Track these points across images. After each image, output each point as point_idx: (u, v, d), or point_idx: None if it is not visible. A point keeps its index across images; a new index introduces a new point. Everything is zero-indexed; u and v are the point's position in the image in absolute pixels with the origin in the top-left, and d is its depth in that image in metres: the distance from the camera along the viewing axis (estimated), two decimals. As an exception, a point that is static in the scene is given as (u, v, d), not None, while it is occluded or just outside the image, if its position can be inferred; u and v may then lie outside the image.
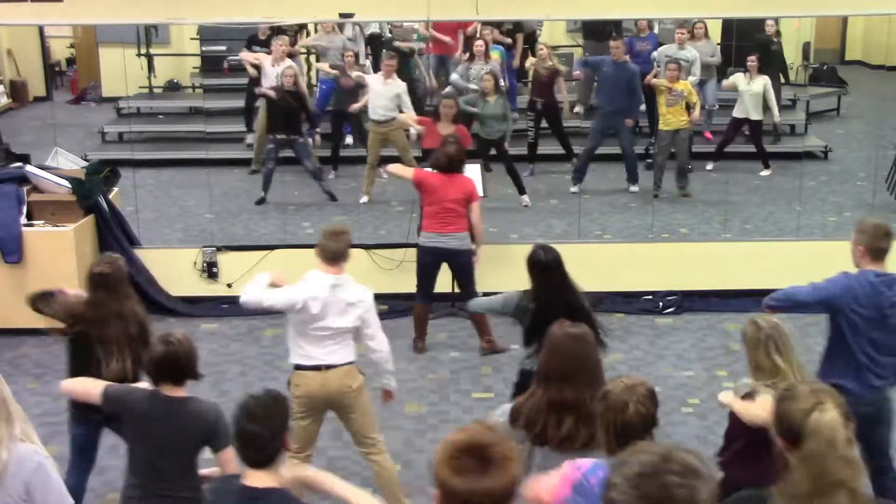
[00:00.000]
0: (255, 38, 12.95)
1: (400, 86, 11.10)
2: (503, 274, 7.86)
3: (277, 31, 12.83)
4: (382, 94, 11.02)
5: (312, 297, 5.31)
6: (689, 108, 11.24)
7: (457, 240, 7.66)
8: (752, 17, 11.88)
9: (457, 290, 8.40)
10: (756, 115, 12.14)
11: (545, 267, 5.51)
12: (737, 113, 12.23)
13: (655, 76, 11.74)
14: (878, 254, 5.04)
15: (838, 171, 12.72)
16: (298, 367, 5.39)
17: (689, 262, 8.97)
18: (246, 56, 12.54)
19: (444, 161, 7.61)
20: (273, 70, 11.72)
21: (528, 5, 9.12)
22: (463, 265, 7.77)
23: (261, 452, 3.40)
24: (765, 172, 12.35)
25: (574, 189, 11.57)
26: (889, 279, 5.04)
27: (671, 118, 11.24)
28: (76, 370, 5.21)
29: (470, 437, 2.42)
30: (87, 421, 5.34)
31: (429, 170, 7.87)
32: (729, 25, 13.58)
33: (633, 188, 11.65)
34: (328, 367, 5.34)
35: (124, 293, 5.22)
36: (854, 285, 5.01)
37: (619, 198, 11.49)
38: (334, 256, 5.36)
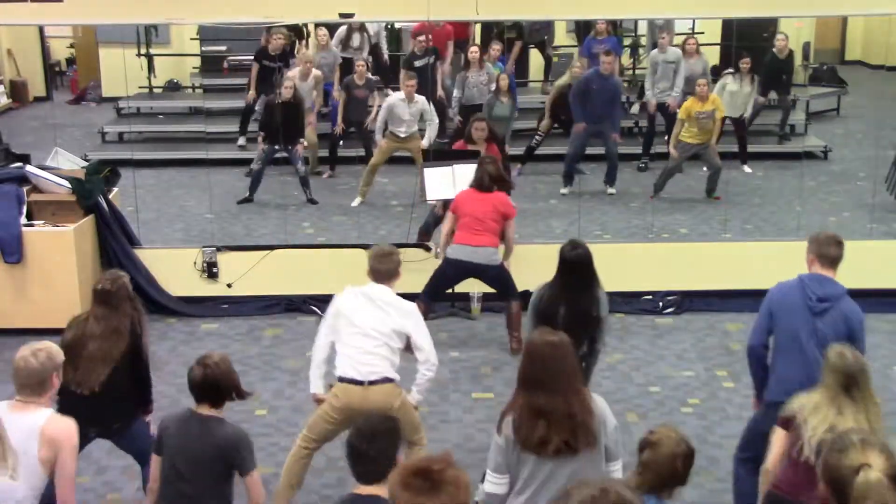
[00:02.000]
0: (265, 52, 12.78)
1: (422, 101, 10.99)
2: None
3: (291, 51, 12.90)
4: (406, 113, 10.90)
5: (348, 297, 5.51)
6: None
7: (484, 256, 7.60)
8: (752, 18, 11.87)
9: (457, 290, 8.43)
10: (740, 111, 12.29)
11: (563, 261, 5.71)
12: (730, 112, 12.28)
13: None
14: (827, 261, 5.14)
15: (838, 171, 12.72)
16: (341, 379, 5.43)
17: (689, 262, 8.96)
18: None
19: (485, 181, 7.69)
20: (303, 85, 11.75)
21: (528, 5, 9.11)
22: (494, 277, 7.79)
23: (366, 468, 3.58)
24: (747, 169, 12.46)
25: (564, 191, 11.63)
26: (821, 278, 5.11)
27: (700, 133, 11.21)
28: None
29: (422, 461, 2.77)
30: (82, 438, 5.36)
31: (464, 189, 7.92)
32: (729, 26, 13.61)
33: (611, 190, 11.64)
34: (370, 382, 5.38)
35: (123, 310, 5.28)
36: (775, 295, 5.16)
37: (619, 198, 11.49)
38: (385, 276, 5.56)
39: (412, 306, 5.58)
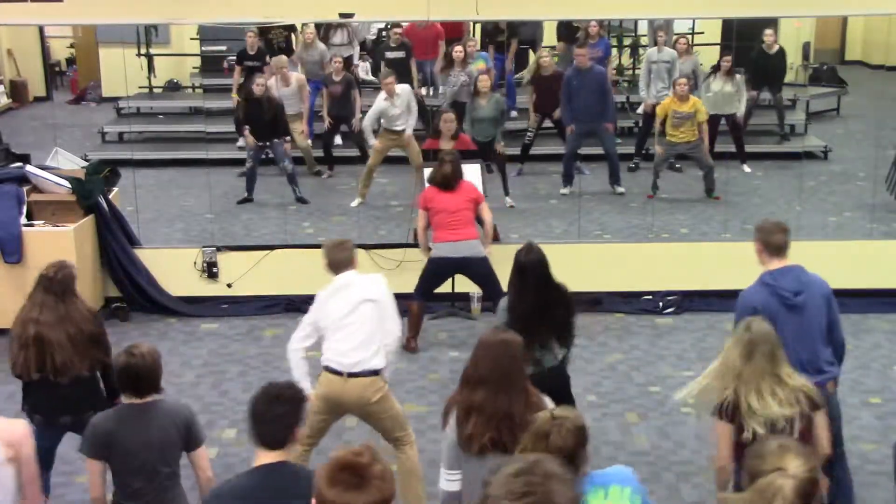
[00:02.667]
0: (244, 53, 12.92)
1: (405, 91, 10.96)
2: (504, 273, 7.87)
3: (269, 48, 12.90)
4: (396, 108, 10.85)
5: (322, 303, 5.50)
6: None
7: (469, 247, 7.66)
8: (752, 18, 11.87)
9: (457, 290, 8.44)
10: (731, 110, 12.22)
11: (521, 268, 5.71)
12: (713, 110, 12.19)
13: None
14: (775, 250, 5.13)
15: (838, 171, 12.71)
16: (326, 368, 5.48)
17: (689, 262, 8.96)
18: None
19: (440, 180, 7.76)
20: (285, 91, 11.71)
21: (528, 5, 9.11)
22: (479, 273, 7.76)
23: (264, 430, 3.59)
24: (746, 169, 12.43)
25: (564, 191, 11.60)
26: (782, 270, 5.09)
27: (681, 134, 11.20)
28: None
29: (348, 456, 2.70)
30: (54, 428, 5.39)
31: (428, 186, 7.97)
32: (729, 26, 13.61)
33: (619, 189, 11.62)
34: (350, 374, 5.39)
35: (70, 300, 5.30)
36: (749, 302, 5.07)
37: (619, 198, 11.48)
38: (344, 265, 5.58)
39: (378, 276, 5.67)
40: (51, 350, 5.18)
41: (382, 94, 10.91)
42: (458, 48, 12.13)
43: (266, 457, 3.60)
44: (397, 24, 12.77)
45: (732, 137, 12.46)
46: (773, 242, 5.13)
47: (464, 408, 4.06)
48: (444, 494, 4.19)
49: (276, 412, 3.58)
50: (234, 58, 13.29)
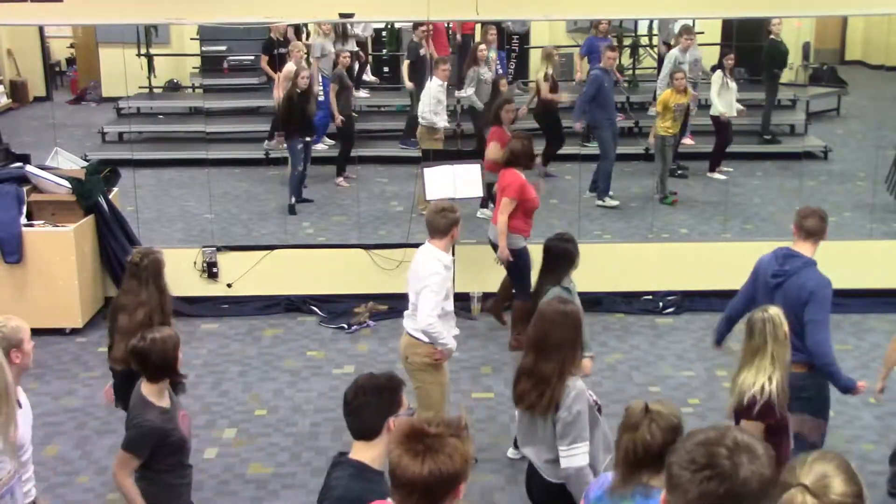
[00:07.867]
0: (273, 42, 12.72)
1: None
2: (504, 273, 7.90)
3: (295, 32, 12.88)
4: (443, 96, 10.82)
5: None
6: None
7: (492, 233, 7.81)
8: (752, 18, 11.87)
9: (457, 290, 8.41)
10: (733, 112, 12.18)
11: (545, 250, 6.16)
12: (728, 114, 12.11)
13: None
14: (805, 234, 5.45)
15: (838, 171, 12.71)
16: None
17: (689, 262, 8.96)
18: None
19: (506, 156, 7.73)
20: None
21: (528, 5, 9.11)
22: (508, 266, 7.73)
23: (350, 420, 3.51)
24: (720, 176, 12.27)
25: (600, 202, 11.26)
26: (787, 252, 5.42)
27: (674, 125, 11.23)
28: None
29: (423, 422, 2.68)
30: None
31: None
32: (729, 26, 13.61)
33: (598, 202, 11.52)
34: (407, 332, 5.83)
35: (151, 288, 5.37)
36: (757, 266, 5.55)
37: (619, 198, 11.47)
38: (434, 231, 5.76)
39: (429, 271, 5.66)
40: (114, 333, 5.39)
41: (437, 81, 10.78)
42: (483, 47, 12.05)
43: (359, 448, 3.47)
44: (420, 24, 12.73)
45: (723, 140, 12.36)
46: (802, 226, 5.45)
47: (520, 369, 4.38)
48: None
49: (360, 402, 3.46)
50: (254, 56, 13.24)
